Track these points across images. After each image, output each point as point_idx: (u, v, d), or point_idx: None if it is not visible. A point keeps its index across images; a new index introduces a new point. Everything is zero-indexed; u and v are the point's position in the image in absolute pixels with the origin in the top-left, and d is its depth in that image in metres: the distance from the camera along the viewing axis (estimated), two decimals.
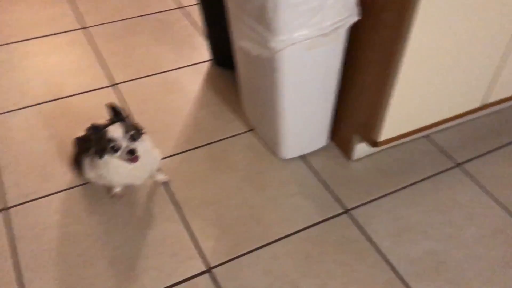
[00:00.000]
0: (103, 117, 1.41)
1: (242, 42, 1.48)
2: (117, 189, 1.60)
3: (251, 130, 1.86)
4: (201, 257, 1.45)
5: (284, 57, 1.42)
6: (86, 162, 1.49)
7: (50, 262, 1.43)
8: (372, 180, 1.70)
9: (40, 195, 1.61)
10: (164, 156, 1.74)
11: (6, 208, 1.57)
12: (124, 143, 1.35)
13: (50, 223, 1.53)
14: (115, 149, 1.35)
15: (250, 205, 1.61)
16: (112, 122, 1.38)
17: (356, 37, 1.49)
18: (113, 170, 1.43)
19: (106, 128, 1.36)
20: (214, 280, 1.40)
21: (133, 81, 2.07)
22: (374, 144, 1.61)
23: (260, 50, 1.40)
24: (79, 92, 2.00)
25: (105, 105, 1.40)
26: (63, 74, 2.10)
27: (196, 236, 1.51)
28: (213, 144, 1.82)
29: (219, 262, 1.44)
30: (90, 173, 1.50)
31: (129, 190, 1.63)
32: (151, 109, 1.94)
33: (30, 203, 1.59)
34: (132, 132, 1.38)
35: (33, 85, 2.03)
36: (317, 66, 1.51)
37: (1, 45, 2.24)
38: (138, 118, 1.84)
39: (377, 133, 1.58)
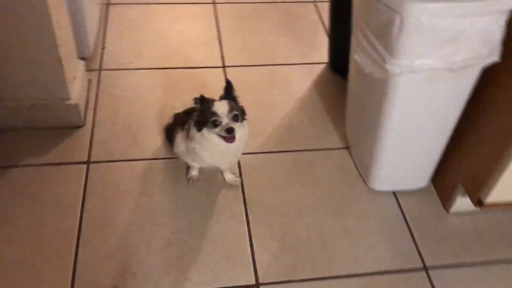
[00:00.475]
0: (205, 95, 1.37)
1: (357, 55, 1.34)
2: (195, 172, 1.57)
3: (346, 148, 1.72)
4: (253, 269, 1.37)
5: (399, 84, 1.26)
6: (179, 135, 1.48)
7: (109, 227, 1.44)
8: (466, 241, 1.47)
9: (124, 158, 1.63)
10: (249, 152, 1.67)
11: (88, 162, 1.61)
12: (225, 120, 1.31)
13: (123, 188, 1.54)
14: (216, 124, 1.31)
15: (321, 228, 1.48)
16: (221, 99, 1.37)
17: (489, 78, 1.28)
18: (205, 145, 1.39)
19: (213, 102, 1.34)
20: None
21: (242, 67, 2.02)
22: (479, 203, 1.39)
23: (375, 69, 1.26)
24: (189, 66, 2.00)
25: (225, 79, 1.39)
26: (180, 44, 2.11)
27: (255, 245, 1.43)
28: (302, 152, 1.71)
29: (270, 281, 1.35)
30: (180, 146, 1.49)
31: (205, 176, 1.59)
32: (251, 99, 1.87)
33: (112, 163, 1.62)
34: (236, 112, 1.33)
35: (150, 48, 2.07)
36: (435, 102, 1.32)
37: (134, 3, 2.31)
38: None
39: (486, 192, 1.36)
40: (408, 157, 1.50)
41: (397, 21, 1.12)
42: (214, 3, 2.36)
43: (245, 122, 1.40)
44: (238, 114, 1.35)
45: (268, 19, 2.29)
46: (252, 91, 1.92)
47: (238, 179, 1.59)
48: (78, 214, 1.46)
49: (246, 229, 1.47)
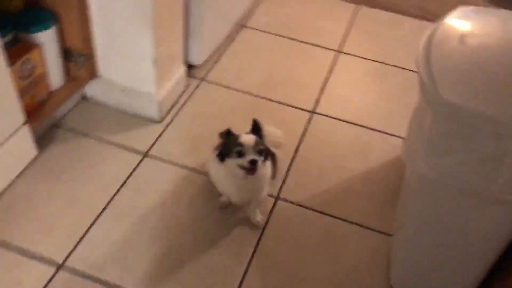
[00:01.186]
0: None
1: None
2: (224, 198, 1.58)
3: (389, 235, 1.56)
4: None
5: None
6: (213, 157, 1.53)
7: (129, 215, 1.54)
8: None
9: (174, 161, 1.71)
10: (291, 201, 1.63)
11: (145, 154, 1.73)
12: (250, 152, 1.33)
13: (158, 188, 1.63)
14: (240, 154, 1.33)
15: None
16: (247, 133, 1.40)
17: None
18: (224, 175, 1.42)
19: (240, 135, 1.37)
20: None
21: (331, 119, 1.97)
22: None
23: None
24: (279, 101, 2.02)
25: (253, 119, 1.42)
26: (283, 79, 2.14)
27: None
28: (341, 221, 1.60)
29: None
30: (210, 169, 1.53)
31: (236, 207, 1.59)
32: (323, 152, 1.82)
33: (162, 162, 1.72)
34: (261, 147, 1.35)
35: (255, 74, 2.14)
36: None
37: (266, 32, 2.41)
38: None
39: None
40: (431, 268, 1.31)
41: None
42: (339, 51, 2.34)
43: (267, 162, 1.40)
44: (263, 149, 1.35)
45: (385, 81, 2.20)
46: (329, 144, 1.86)
47: (261, 222, 1.56)
48: (111, 196, 1.59)
49: (242, 273, 1.43)
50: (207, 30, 2.03)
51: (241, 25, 2.43)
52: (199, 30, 1.98)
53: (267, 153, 1.40)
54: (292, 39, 2.38)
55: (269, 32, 2.41)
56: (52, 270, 1.38)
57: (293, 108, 2.00)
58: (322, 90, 2.11)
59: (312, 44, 2.37)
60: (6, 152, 1.46)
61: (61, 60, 1.69)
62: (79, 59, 1.72)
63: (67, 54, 1.71)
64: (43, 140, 1.70)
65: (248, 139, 1.36)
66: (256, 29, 2.42)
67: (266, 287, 1.40)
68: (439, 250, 1.25)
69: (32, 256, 1.40)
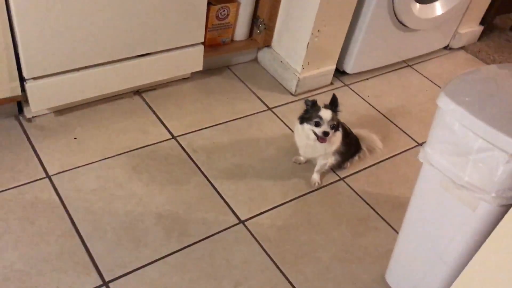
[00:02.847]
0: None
1: None
2: (300, 157, 1.98)
3: None
4: None
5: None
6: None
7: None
8: None
9: (286, 123, 2.18)
10: (348, 184, 1.94)
11: (269, 108, 2.24)
12: (325, 125, 1.71)
13: (265, 132, 2.12)
14: (317, 124, 1.74)
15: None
16: (326, 107, 1.77)
17: None
18: (301, 134, 1.82)
19: (321, 108, 1.76)
20: None
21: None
22: None
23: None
24: (402, 129, 2.31)
25: (333, 94, 1.79)
26: (410, 110, 2.41)
27: None
28: (379, 218, 1.84)
29: None
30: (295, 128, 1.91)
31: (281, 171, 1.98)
32: (399, 179, 2.06)
33: (276, 118, 2.20)
34: (335, 123, 1.73)
35: (389, 98, 2.46)
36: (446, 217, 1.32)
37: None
38: None
39: None
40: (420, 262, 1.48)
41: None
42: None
43: (338, 134, 1.77)
44: (336, 124, 1.71)
45: None
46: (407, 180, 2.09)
47: (315, 183, 1.91)
48: (233, 119, 2.14)
49: (280, 203, 1.81)
50: (369, 50, 2.44)
51: (407, 64, 2.76)
52: (361, 46, 2.40)
53: (338, 126, 1.75)
54: None
55: (428, 79, 2.68)
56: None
57: (407, 136, 2.27)
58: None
59: None
60: (181, 55, 2.10)
61: (249, 21, 2.32)
62: (261, 26, 2.33)
63: (254, 19, 2.34)
64: (213, 69, 2.36)
65: (326, 114, 1.71)
66: (419, 72, 2.72)
67: (289, 222, 1.76)
68: (424, 245, 1.44)
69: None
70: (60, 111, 1.99)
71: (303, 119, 1.77)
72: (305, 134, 1.77)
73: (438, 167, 1.27)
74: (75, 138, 1.89)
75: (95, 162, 1.82)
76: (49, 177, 1.73)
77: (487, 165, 1.15)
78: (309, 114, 1.74)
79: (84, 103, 2.03)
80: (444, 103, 1.20)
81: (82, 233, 1.58)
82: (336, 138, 1.80)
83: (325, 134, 1.69)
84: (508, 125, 1.13)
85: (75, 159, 1.81)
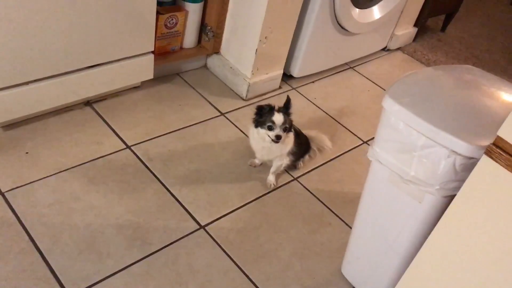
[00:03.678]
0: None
1: None
2: (255, 160, 2.04)
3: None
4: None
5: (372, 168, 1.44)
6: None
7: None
8: None
9: (239, 127, 2.24)
10: (302, 183, 2.02)
11: (222, 114, 2.29)
12: (277, 129, 1.77)
13: (221, 137, 2.16)
14: (270, 128, 1.79)
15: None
16: (279, 110, 1.83)
17: None
18: (255, 136, 1.87)
19: (274, 113, 1.80)
20: None
21: None
22: None
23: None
24: (348, 129, 2.43)
25: (287, 96, 1.86)
26: (356, 111, 2.54)
27: None
28: (332, 215, 1.93)
29: None
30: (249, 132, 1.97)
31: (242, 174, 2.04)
32: (353, 175, 2.17)
33: (229, 123, 2.25)
34: (287, 126, 1.80)
35: (336, 101, 2.58)
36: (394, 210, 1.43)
37: None
38: None
39: None
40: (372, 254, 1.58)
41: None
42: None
43: (290, 135, 1.85)
44: (288, 126, 1.79)
45: None
46: (356, 175, 2.20)
47: (271, 184, 1.98)
48: (185, 126, 2.17)
49: (239, 206, 1.87)
50: (313, 55, 2.55)
51: (349, 66, 2.90)
52: (306, 51, 2.50)
53: (290, 127, 1.83)
54: None
55: (369, 79, 2.83)
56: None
57: (353, 135, 2.39)
58: None
59: None
60: (131, 64, 2.10)
61: (197, 29, 2.36)
62: (209, 34, 2.38)
63: (202, 27, 2.38)
64: (164, 77, 2.38)
65: (279, 118, 1.77)
66: (360, 74, 2.86)
67: (249, 223, 1.81)
68: (376, 237, 1.54)
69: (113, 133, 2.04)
70: (9, 125, 1.94)
71: (257, 123, 1.84)
72: (260, 137, 1.84)
73: (386, 164, 1.37)
74: (26, 153, 1.86)
75: (50, 176, 1.80)
76: (2, 194, 1.69)
77: (431, 161, 1.26)
78: (263, 118, 1.81)
79: (34, 116, 1.99)
80: (389, 104, 1.30)
81: (41, 249, 1.56)
82: (290, 139, 1.88)
83: (278, 138, 1.77)
84: (448, 123, 1.24)
85: (28, 174, 1.78)
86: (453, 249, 1.13)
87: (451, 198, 1.17)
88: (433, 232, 1.18)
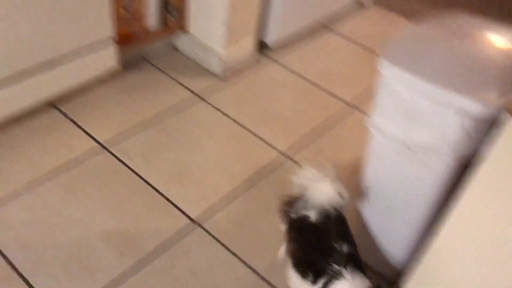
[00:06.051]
0: None
1: None
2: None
3: None
4: None
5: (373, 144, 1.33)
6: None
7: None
8: None
9: (217, 107, 2.09)
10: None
11: (195, 95, 2.14)
12: None
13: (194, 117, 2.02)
14: None
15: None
16: None
17: None
18: None
19: None
20: None
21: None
22: None
23: None
24: (332, 93, 2.30)
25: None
26: (339, 74, 2.41)
27: None
28: None
29: None
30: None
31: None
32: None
33: (205, 103, 2.10)
34: None
35: (318, 65, 2.44)
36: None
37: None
38: None
39: None
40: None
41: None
42: None
43: None
44: None
45: None
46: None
47: None
48: (159, 112, 2.01)
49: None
50: (285, 16, 2.37)
51: (326, 27, 2.74)
52: (276, 13, 2.32)
53: None
54: (371, 52, 2.61)
55: (350, 40, 2.68)
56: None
57: (334, 99, 2.26)
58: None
59: None
60: (91, 53, 1.91)
61: (159, 8, 2.17)
62: (173, 12, 2.19)
63: (166, 5, 2.19)
64: (131, 66, 2.20)
65: None
66: (339, 34, 2.71)
67: (244, 211, 1.69)
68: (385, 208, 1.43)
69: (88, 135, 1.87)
70: None
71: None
72: None
73: (390, 133, 1.25)
74: None
75: (22, 192, 1.63)
76: None
77: (437, 123, 1.14)
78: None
79: None
80: (387, 69, 1.17)
81: (24, 274, 1.42)
82: None
83: None
84: (450, 81, 1.12)
85: None
86: (479, 224, 1.03)
87: (462, 161, 1.06)
88: (457, 205, 1.07)
